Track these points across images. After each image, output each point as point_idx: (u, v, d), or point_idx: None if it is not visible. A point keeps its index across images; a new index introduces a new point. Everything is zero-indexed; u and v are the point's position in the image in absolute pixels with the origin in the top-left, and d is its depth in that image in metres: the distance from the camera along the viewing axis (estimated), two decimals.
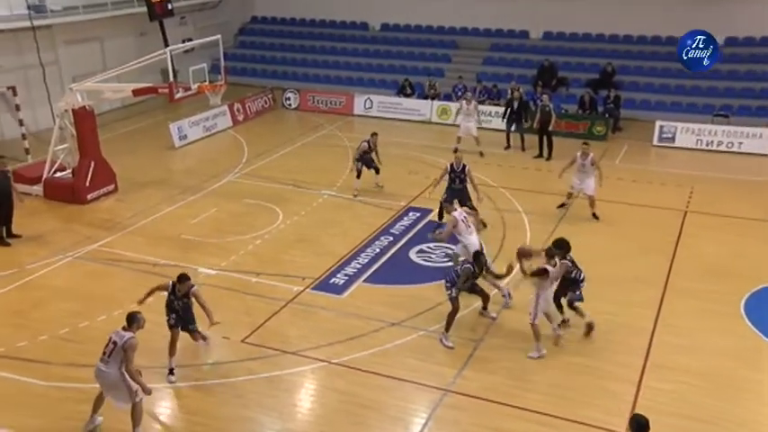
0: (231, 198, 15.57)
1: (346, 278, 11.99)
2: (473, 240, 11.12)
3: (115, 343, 7.91)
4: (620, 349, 9.95)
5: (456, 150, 14.52)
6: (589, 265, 10.65)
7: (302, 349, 9.92)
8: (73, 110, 15.28)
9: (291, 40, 28.24)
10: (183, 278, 9.19)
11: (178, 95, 14.70)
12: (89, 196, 15.50)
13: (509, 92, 20.06)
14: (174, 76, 14.88)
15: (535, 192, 15.82)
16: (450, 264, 11.77)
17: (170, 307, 9.28)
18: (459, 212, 11.58)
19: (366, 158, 15.55)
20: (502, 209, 14.83)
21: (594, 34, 24.44)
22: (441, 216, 13.77)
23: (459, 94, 22.64)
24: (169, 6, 23.26)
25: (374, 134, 15.81)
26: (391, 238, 13.43)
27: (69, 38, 21.37)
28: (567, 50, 24.35)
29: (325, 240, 13.39)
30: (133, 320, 8.02)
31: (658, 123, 19.95)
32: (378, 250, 12.91)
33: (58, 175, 15.95)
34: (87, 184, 15.42)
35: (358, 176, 15.54)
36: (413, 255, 12.78)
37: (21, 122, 17.80)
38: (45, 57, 20.16)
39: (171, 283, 9.25)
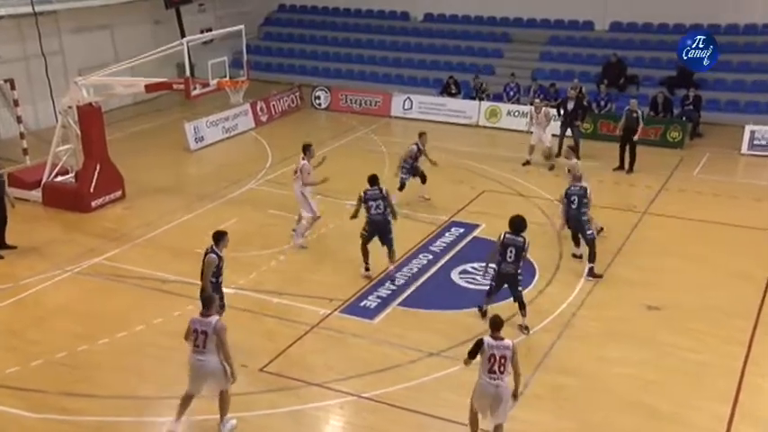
0: (252, 207, 15.72)
1: (379, 301, 12.00)
2: None
3: (204, 332, 8.44)
4: (704, 393, 9.73)
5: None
6: (667, 294, 10.48)
7: (328, 381, 9.91)
8: (78, 106, 15.51)
9: (322, 31, 28.57)
10: (220, 236, 9.93)
11: (195, 92, 14.82)
12: (93, 203, 15.71)
13: (568, 91, 19.92)
14: (192, 70, 15.12)
15: (609, 208, 15.50)
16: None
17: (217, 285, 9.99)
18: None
19: (413, 166, 15.50)
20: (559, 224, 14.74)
21: (672, 24, 24.08)
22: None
23: (512, 94, 22.62)
24: None
25: (422, 134, 15.81)
26: (431, 257, 13.45)
27: (75, 25, 21.91)
28: (638, 44, 24.11)
29: (357, 257, 13.26)
30: (211, 302, 8.68)
31: (749, 128, 19.53)
32: (415, 270, 12.93)
33: (60, 179, 16.17)
34: (92, 189, 15.63)
35: (401, 189, 15.36)
36: (455, 276, 12.77)
37: (19, 119, 18.27)
38: (48, 46, 20.59)
39: (215, 257, 9.86)
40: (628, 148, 18.00)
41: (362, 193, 12.37)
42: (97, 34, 22.61)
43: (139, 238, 14.39)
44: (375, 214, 12.27)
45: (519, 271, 10.91)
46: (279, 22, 29.76)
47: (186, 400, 8.75)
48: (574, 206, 12.67)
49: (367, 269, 12.56)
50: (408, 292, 12.25)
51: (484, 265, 11.42)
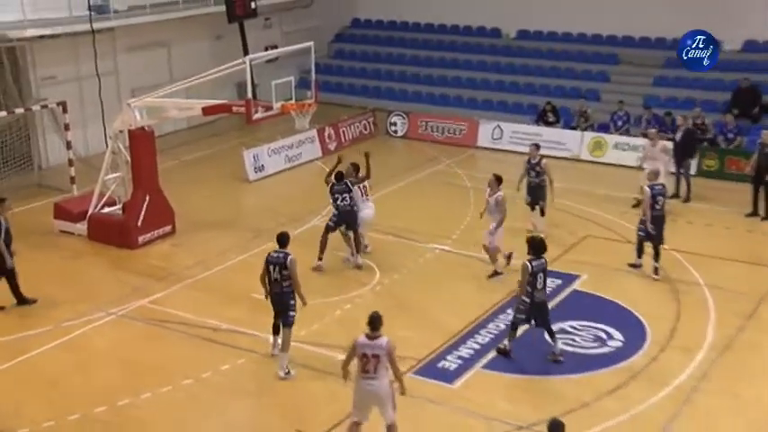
0: (316, 248, 15.66)
1: (460, 362, 11.92)
2: None
3: (376, 356, 9.08)
4: None
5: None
6: None
7: None
8: (129, 130, 15.99)
9: (401, 49, 28.91)
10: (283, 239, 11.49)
11: (257, 116, 15.01)
12: (141, 238, 16.04)
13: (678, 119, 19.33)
14: (254, 91, 15.35)
15: (740, 261, 15.23)
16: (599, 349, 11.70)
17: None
18: None
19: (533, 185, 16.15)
20: (674, 278, 14.50)
21: None
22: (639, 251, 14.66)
23: (620, 123, 22.25)
24: (252, 5, 24.41)
25: (536, 146, 16.19)
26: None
27: (132, 43, 22.82)
28: None
29: (434, 310, 13.40)
30: (377, 321, 9.23)
31: None
32: (502, 327, 12.79)
33: (106, 210, 16.65)
34: (139, 223, 15.97)
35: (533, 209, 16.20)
36: (549, 336, 12.46)
37: (68, 145, 19.00)
38: (103, 66, 21.45)
39: (285, 255, 11.25)
40: (762, 189, 17.41)
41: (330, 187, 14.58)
42: (153, 52, 23.46)
43: (189, 279, 14.64)
44: (343, 206, 14.51)
45: None
46: (352, 39, 30.33)
47: (355, 429, 9.37)
48: (658, 207, 13.89)
49: (320, 259, 14.53)
50: (494, 353, 12.10)
51: (526, 301, 11.56)
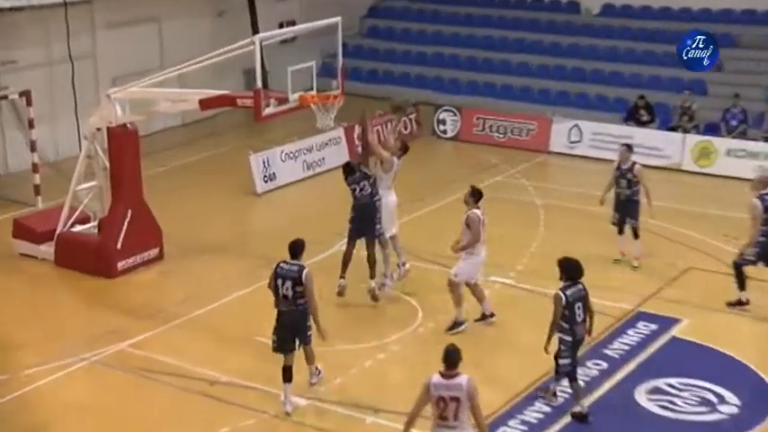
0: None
1: (525, 429, 11.82)
2: None
3: (456, 398, 9.10)
4: None
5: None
6: None
7: None
8: (108, 128, 15.97)
9: (452, 26, 29.04)
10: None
11: (268, 110, 14.98)
12: (120, 265, 16.03)
13: None
14: (265, 79, 15.39)
15: None
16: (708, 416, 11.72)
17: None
18: None
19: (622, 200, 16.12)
20: None
21: None
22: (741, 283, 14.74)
23: (735, 123, 22.08)
24: None
25: (627, 147, 16.21)
26: (605, 366, 13.35)
27: (113, 19, 23.05)
28: None
29: (492, 359, 13.30)
30: (455, 356, 9.24)
31: None
32: (581, 384, 12.48)
33: (78, 228, 16.60)
34: (119, 245, 15.93)
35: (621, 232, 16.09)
36: (641, 396, 12.57)
37: (33, 146, 19.16)
38: (77, 47, 21.48)
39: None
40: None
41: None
42: (140, 30, 23.66)
43: (180, 318, 14.58)
44: (361, 197, 14.80)
45: None
46: (390, 13, 30.51)
47: None
48: None
49: (342, 277, 14.79)
50: (568, 417, 11.97)
51: (568, 340, 11.64)
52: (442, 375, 9.20)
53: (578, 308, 11.57)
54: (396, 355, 13.51)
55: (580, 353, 12.00)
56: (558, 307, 11.54)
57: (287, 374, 11.78)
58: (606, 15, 27.77)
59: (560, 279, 11.72)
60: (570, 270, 11.71)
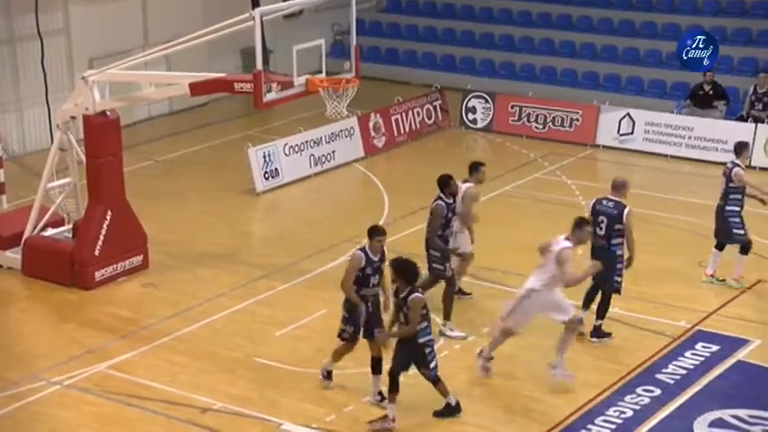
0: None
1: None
2: None
3: None
4: None
5: None
6: None
7: None
8: (85, 117, 15.64)
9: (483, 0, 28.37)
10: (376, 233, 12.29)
11: (270, 96, 14.72)
12: (99, 274, 15.72)
13: None
14: (266, 60, 15.27)
15: None
16: None
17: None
18: None
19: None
20: None
21: None
22: None
23: None
24: None
25: (742, 146, 15.64)
26: (658, 392, 13.03)
27: None
28: None
29: (530, 388, 12.97)
30: None
31: None
32: (629, 413, 12.49)
33: (50, 233, 16.30)
34: (97, 251, 15.63)
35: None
36: (701, 429, 12.23)
37: None
38: (48, 22, 21.08)
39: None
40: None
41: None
42: (121, 3, 22.99)
43: (166, 336, 14.29)
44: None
45: None
46: None
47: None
48: None
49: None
50: None
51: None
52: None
53: None
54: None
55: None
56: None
57: (375, 366, 12.26)
58: None
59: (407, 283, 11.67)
60: (407, 273, 11.70)
